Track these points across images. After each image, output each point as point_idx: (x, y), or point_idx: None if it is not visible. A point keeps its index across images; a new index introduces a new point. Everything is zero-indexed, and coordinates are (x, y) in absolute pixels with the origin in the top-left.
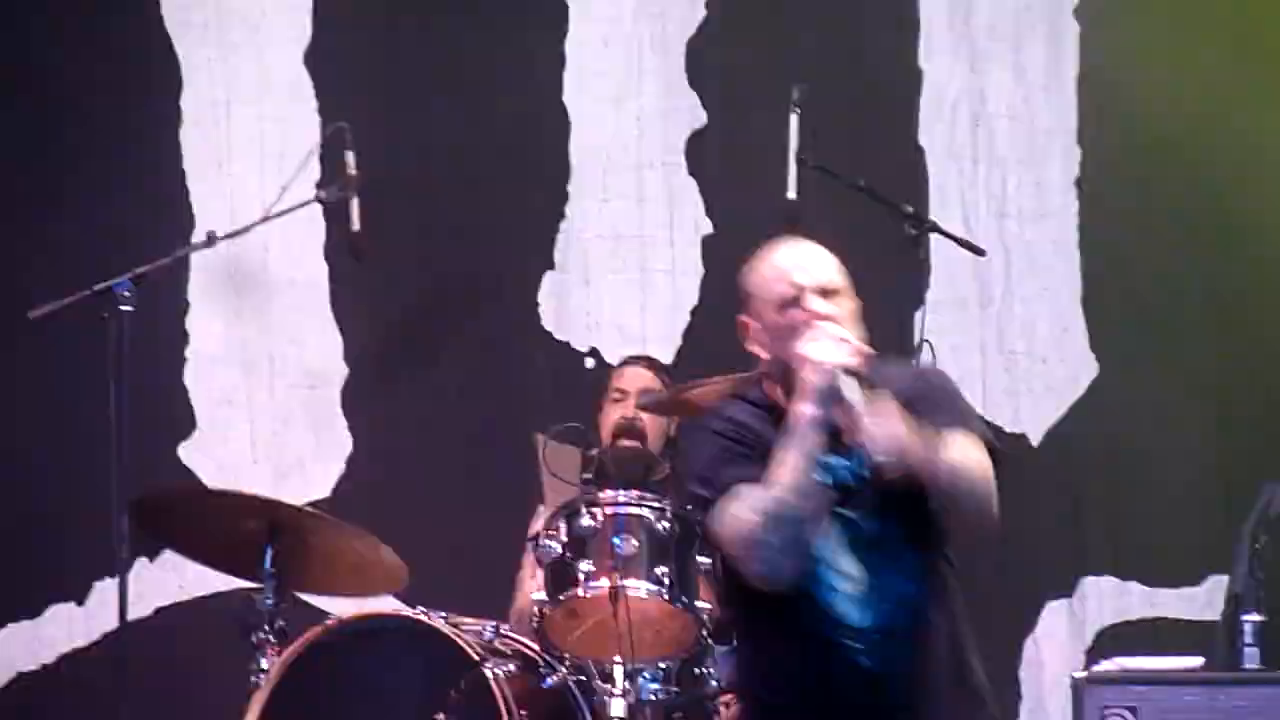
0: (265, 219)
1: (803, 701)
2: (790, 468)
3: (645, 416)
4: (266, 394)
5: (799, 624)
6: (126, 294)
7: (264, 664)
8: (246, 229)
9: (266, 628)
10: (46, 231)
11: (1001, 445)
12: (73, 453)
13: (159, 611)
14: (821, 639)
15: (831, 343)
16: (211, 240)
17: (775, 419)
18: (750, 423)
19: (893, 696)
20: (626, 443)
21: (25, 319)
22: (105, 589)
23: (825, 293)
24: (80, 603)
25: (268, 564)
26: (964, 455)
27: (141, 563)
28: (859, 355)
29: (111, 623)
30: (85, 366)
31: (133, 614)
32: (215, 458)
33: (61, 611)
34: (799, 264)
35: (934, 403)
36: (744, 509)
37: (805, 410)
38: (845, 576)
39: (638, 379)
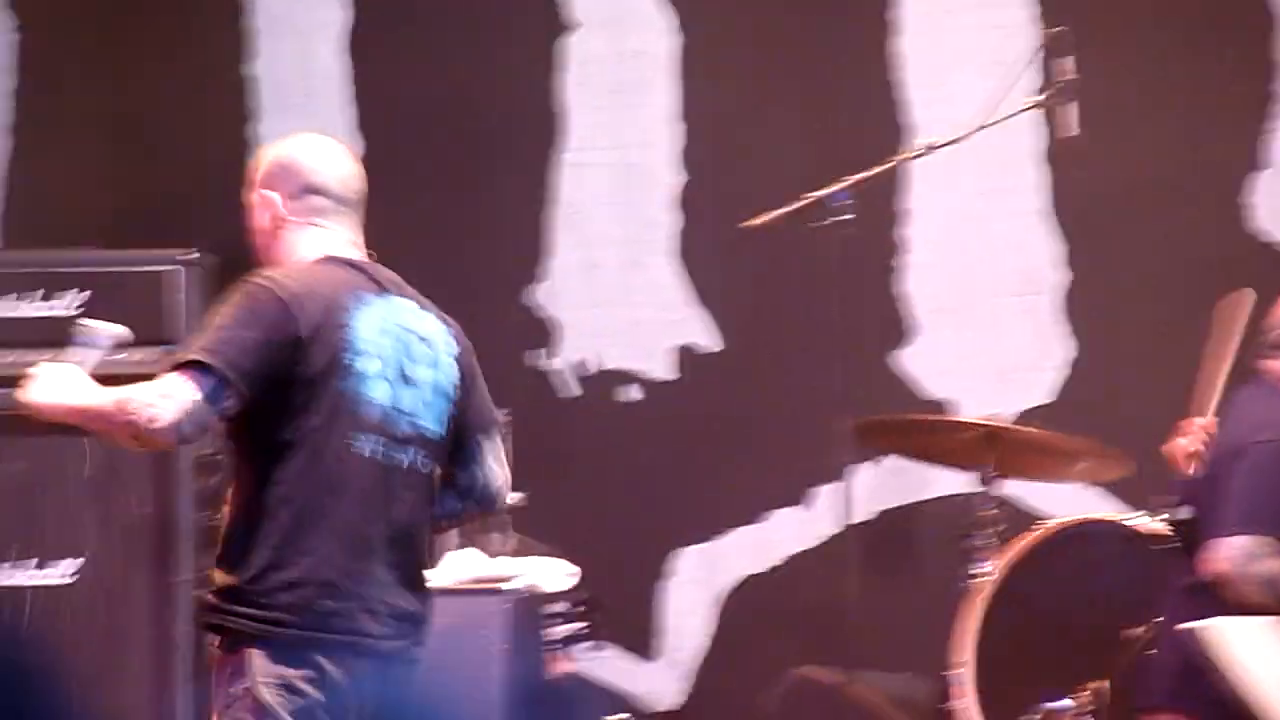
0: (984, 126)
1: None
2: None
3: None
4: (984, 300)
5: None
6: (842, 203)
7: (984, 567)
8: (964, 137)
9: (986, 531)
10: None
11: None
12: (788, 361)
13: (882, 515)
14: None
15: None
16: (929, 148)
17: None
18: None
19: None
20: None
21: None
22: (827, 493)
23: None
24: (804, 506)
25: (985, 473)
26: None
27: (865, 466)
28: None
29: (835, 526)
30: (800, 276)
31: (856, 517)
32: (934, 364)
33: (786, 515)
34: None
35: None
36: None
37: None
38: None
39: None
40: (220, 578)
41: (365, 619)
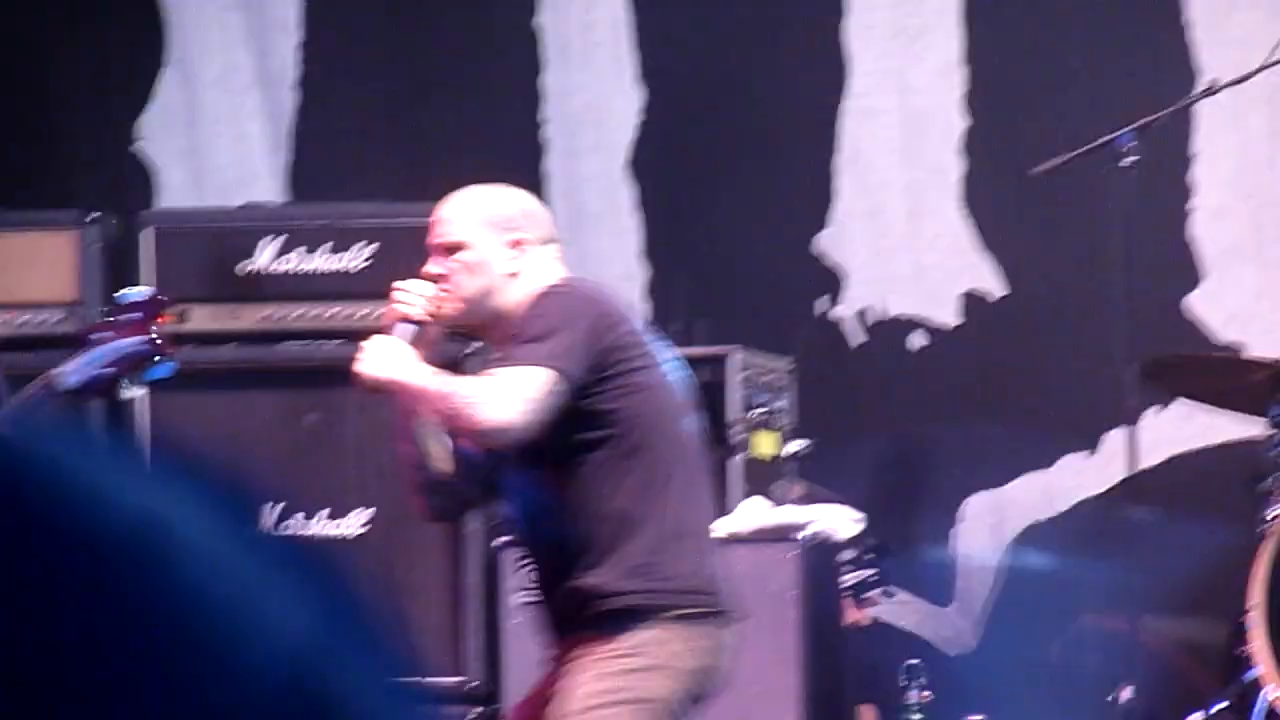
0: (1265, 66)
1: None
2: None
3: None
4: (1276, 242)
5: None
6: (1130, 146)
7: (1272, 512)
8: (1248, 76)
9: (1275, 475)
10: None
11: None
12: (1076, 306)
13: (1170, 460)
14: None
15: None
16: (1213, 89)
17: None
18: None
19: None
20: None
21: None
22: (1115, 438)
23: (448, 250)
24: (1091, 452)
25: (1274, 414)
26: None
27: (1152, 412)
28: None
29: (1123, 471)
30: (1086, 221)
31: (1144, 462)
32: (1224, 308)
33: (1072, 461)
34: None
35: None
36: None
37: None
38: (512, 490)
39: None
40: (619, 560)
41: (726, 594)
